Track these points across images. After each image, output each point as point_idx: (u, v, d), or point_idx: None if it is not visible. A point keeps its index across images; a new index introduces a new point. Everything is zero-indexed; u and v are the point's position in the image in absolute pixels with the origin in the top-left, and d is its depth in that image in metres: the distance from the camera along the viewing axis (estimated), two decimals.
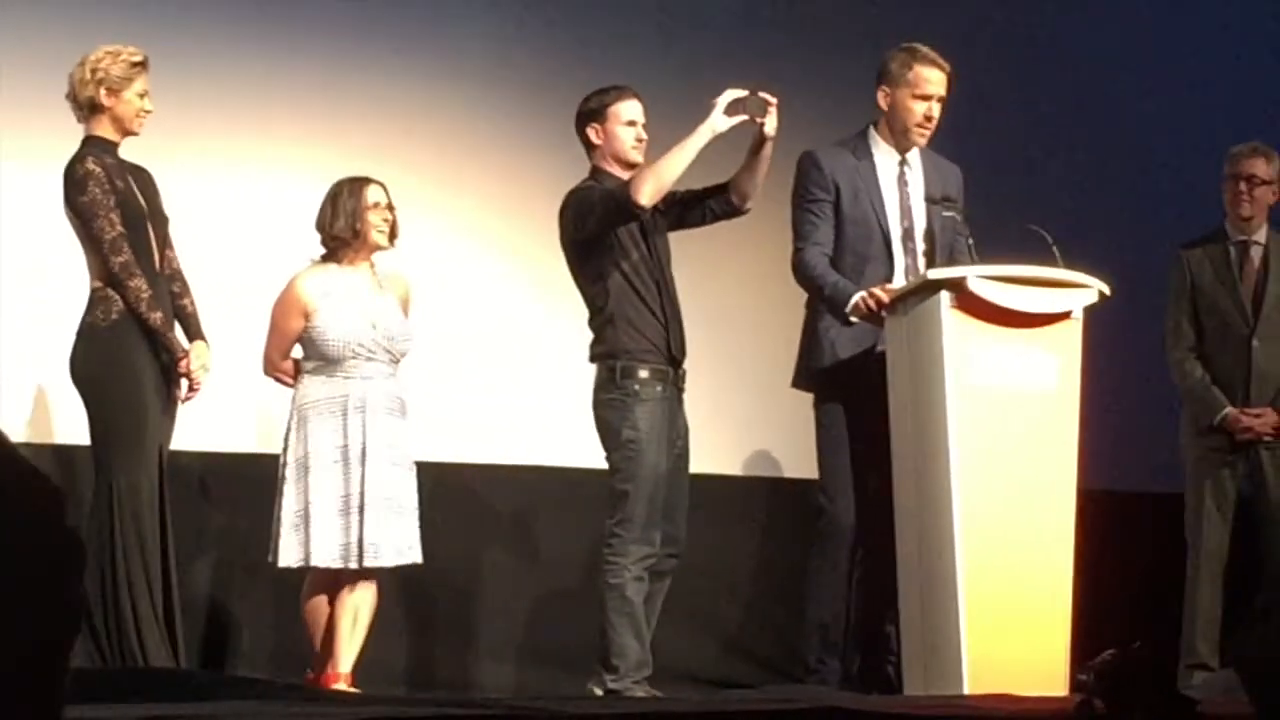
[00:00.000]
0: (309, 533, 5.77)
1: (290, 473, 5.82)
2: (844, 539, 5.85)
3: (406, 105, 6.87)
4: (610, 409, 5.73)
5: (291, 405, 5.87)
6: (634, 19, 7.26)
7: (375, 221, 5.87)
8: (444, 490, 6.58)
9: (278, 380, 5.96)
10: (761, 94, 5.63)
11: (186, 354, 5.73)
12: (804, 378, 5.98)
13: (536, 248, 6.63)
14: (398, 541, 5.83)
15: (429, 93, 6.94)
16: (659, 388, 5.72)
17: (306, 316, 5.85)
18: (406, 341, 5.92)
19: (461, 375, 6.89)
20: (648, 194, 5.55)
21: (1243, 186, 6.62)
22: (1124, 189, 7.64)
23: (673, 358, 5.77)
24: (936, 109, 5.90)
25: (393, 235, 5.92)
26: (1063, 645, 5.48)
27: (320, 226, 5.90)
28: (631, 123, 5.80)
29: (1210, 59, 7.68)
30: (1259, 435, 6.54)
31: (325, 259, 5.93)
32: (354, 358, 5.84)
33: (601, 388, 5.76)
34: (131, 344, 5.65)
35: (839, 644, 5.86)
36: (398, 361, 5.92)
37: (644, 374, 5.72)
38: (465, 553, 6.85)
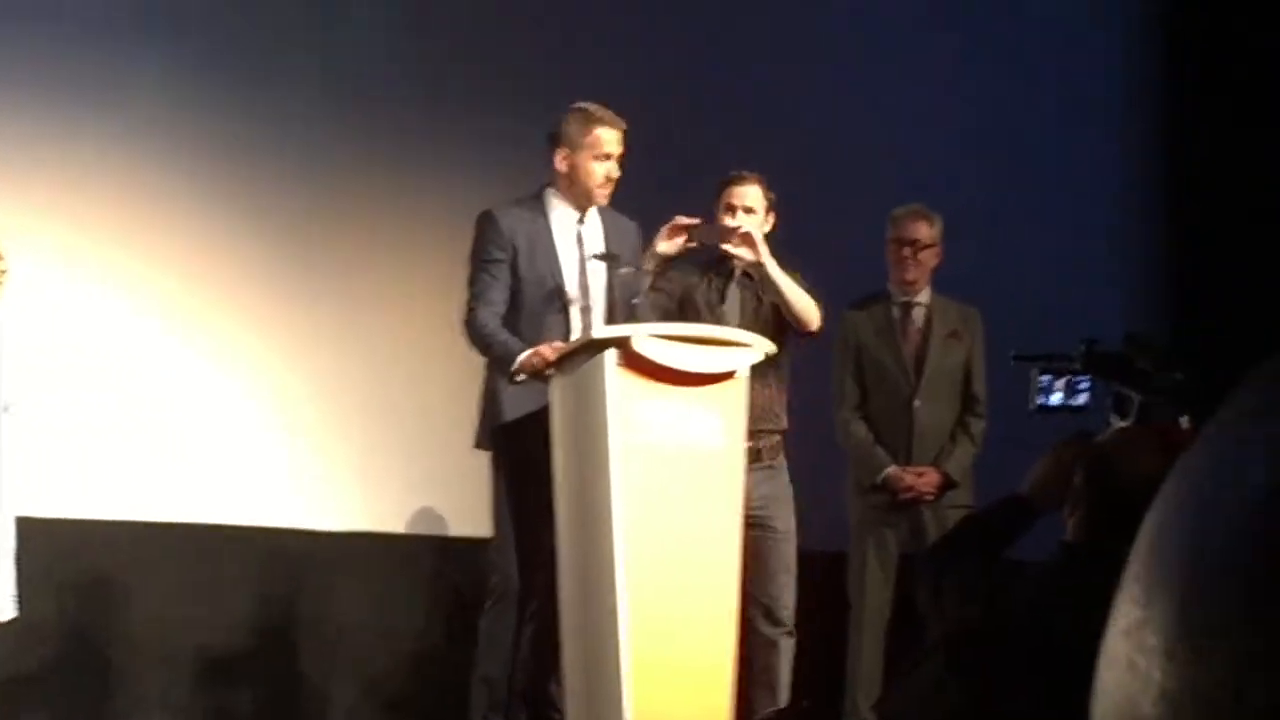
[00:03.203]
0: None
1: None
2: (515, 597, 5.84)
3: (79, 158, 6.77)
4: None
5: None
6: (298, 80, 7.17)
7: None
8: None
9: None
10: (728, 222, 5.71)
11: None
12: (483, 437, 5.97)
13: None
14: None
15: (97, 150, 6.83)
16: None
17: None
18: (12, 396, 5.78)
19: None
20: None
21: (906, 251, 6.74)
22: (791, 250, 7.73)
23: None
24: (616, 169, 5.94)
25: None
26: (726, 701, 5.51)
27: None
28: None
29: (872, 123, 7.81)
30: (921, 494, 6.66)
31: None
32: None
33: None
34: None
35: (504, 702, 5.85)
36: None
37: None
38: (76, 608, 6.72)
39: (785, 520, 6.27)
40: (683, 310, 6.13)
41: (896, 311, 6.80)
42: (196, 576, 6.81)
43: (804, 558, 6.85)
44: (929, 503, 6.65)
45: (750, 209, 6.21)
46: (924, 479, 6.66)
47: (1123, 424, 4.34)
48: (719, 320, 6.12)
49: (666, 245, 5.91)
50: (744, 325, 6.04)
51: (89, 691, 6.71)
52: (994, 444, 6.70)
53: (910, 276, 6.76)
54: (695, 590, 5.46)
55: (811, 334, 6.14)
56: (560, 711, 5.68)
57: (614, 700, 5.33)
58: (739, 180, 6.23)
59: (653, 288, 6.07)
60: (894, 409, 6.73)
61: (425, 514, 7.21)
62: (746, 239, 5.97)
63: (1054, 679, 3.03)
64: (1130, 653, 1.03)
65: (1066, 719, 3.00)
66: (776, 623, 6.23)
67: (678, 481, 5.46)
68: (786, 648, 6.24)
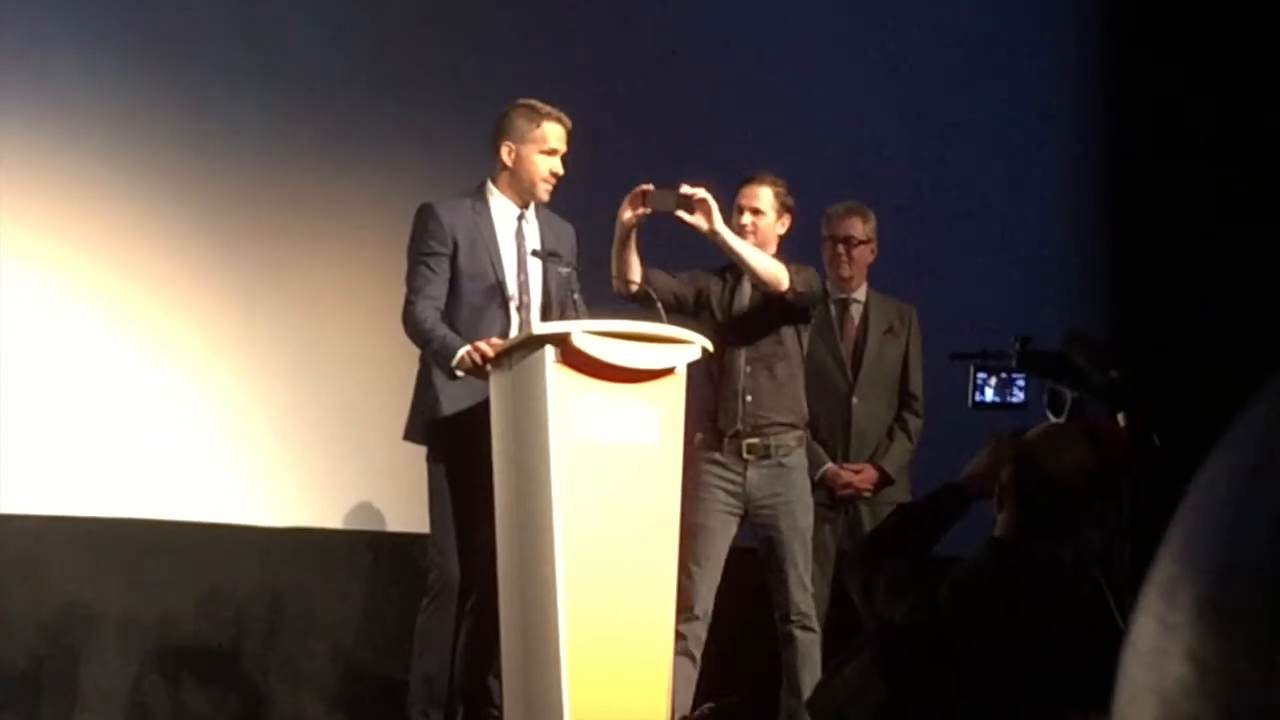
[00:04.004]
0: None
1: None
2: (454, 593, 5.84)
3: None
4: None
5: None
6: (236, 78, 7.15)
7: None
8: None
9: None
10: (684, 189, 5.75)
11: None
12: (417, 431, 5.96)
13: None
14: None
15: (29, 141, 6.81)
16: None
17: None
18: None
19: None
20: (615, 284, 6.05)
21: (840, 248, 6.77)
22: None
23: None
24: (560, 167, 5.95)
25: None
26: (664, 697, 5.52)
27: None
28: None
29: (810, 121, 7.83)
30: (859, 491, 6.69)
31: None
32: None
33: None
34: None
35: (443, 698, 5.85)
36: None
37: None
38: None
39: (791, 519, 6.28)
40: (697, 305, 6.30)
41: (834, 309, 6.82)
42: (129, 572, 6.78)
43: (747, 554, 6.91)
44: (866, 499, 6.68)
45: (758, 210, 6.32)
46: (861, 476, 6.69)
47: (1055, 421, 4.37)
48: (730, 316, 6.29)
49: (629, 215, 5.91)
50: (751, 318, 6.26)
51: (18, 688, 6.67)
52: (931, 442, 6.73)
53: (845, 273, 6.79)
54: (633, 587, 5.47)
55: (784, 295, 6.16)
56: (499, 707, 5.69)
57: (552, 695, 5.34)
58: (749, 181, 6.35)
59: (673, 275, 6.25)
60: (832, 406, 6.74)
61: (362, 509, 7.20)
62: (703, 206, 5.97)
63: (980, 674, 3.06)
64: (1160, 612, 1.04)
65: (990, 714, 3.03)
66: (786, 619, 6.26)
67: (616, 477, 5.47)
68: (805, 642, 6.26)
